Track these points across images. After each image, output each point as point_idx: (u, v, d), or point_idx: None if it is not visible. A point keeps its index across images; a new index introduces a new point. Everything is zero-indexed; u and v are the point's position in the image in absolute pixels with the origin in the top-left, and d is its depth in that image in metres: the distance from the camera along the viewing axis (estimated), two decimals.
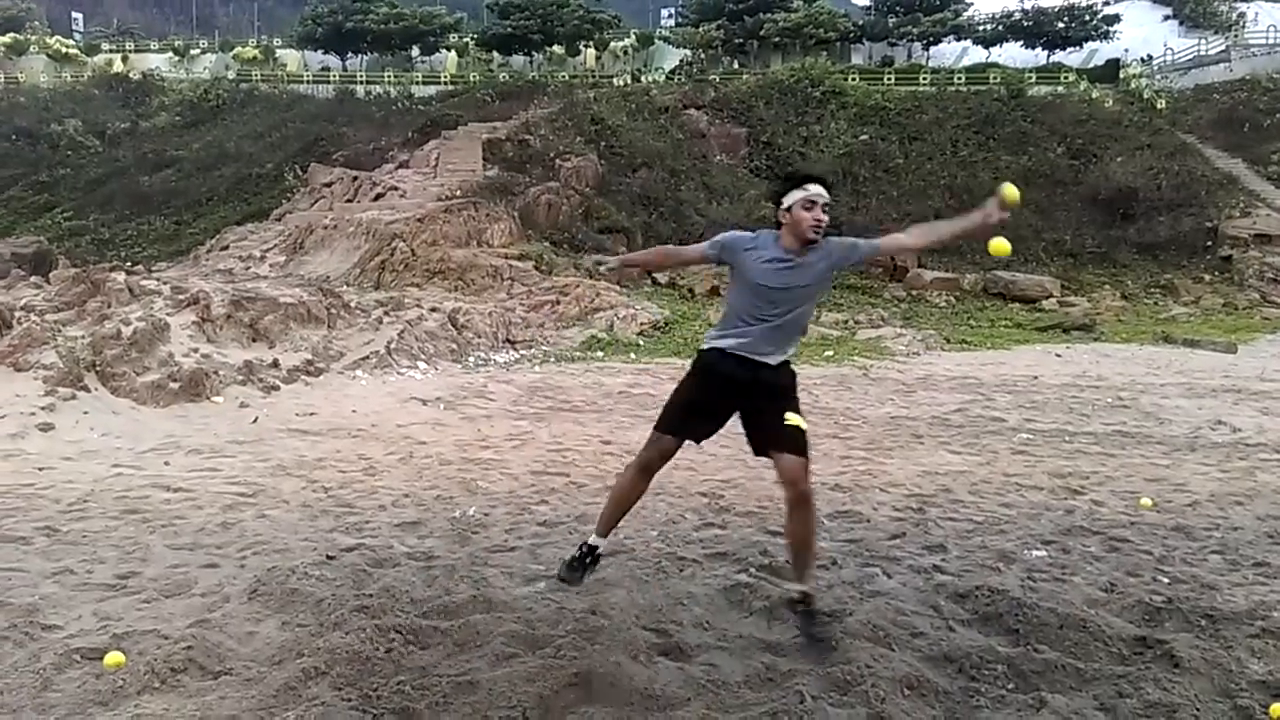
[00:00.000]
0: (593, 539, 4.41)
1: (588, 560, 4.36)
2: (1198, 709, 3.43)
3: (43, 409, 8.64)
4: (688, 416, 4.22)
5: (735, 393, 4.11)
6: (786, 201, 3.97)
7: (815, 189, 3.92)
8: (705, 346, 4.21)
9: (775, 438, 4.00)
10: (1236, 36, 37.57)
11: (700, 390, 4.20)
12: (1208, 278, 25.29)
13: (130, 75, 39.79)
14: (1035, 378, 13.57)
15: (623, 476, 4.40)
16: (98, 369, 9.70)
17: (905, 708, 3.44)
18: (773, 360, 4.07)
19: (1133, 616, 4.39)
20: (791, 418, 3.99)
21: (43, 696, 3.45)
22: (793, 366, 4.19)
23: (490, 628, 4.10)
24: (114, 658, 3.67)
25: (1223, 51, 36.71)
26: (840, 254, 4.08)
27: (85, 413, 8.85)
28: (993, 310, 22.89)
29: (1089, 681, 3.71)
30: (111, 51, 44.39)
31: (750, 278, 4.01)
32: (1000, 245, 4.08)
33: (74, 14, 52.57)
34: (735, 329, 4.07)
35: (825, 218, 3.91)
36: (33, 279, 16.94)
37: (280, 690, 3.51)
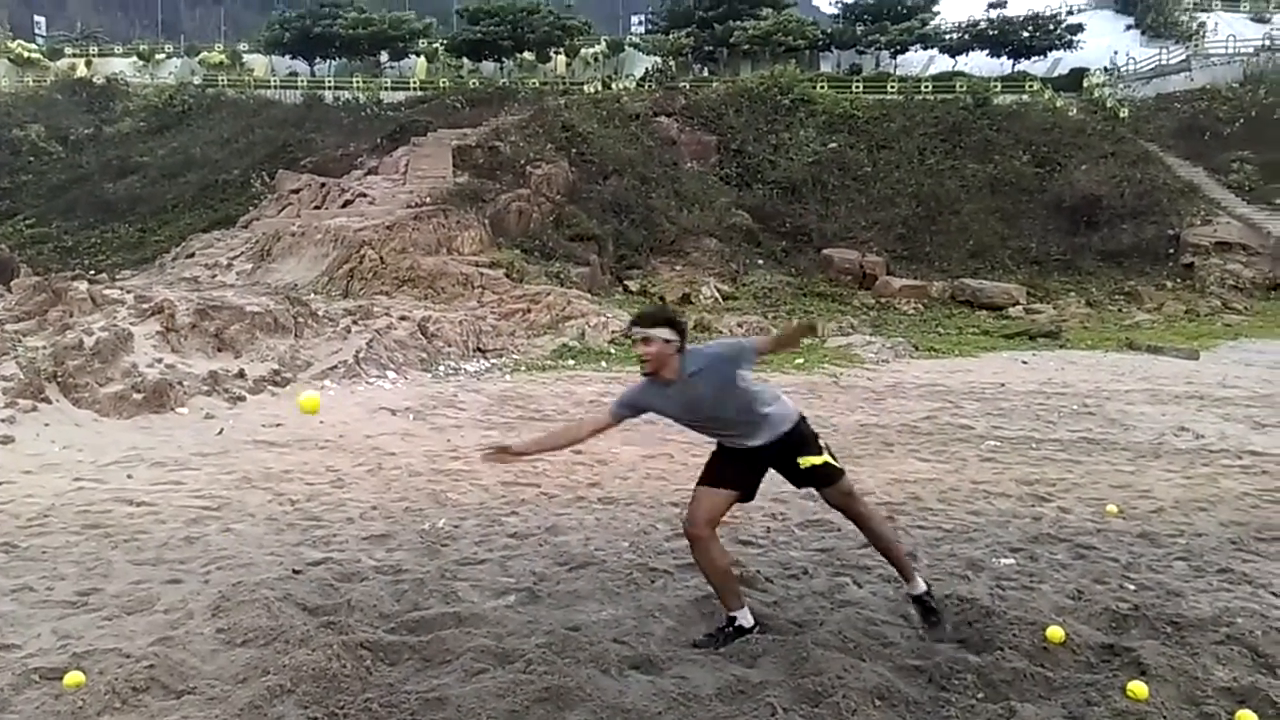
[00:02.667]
0: (742, 618, 4.30)
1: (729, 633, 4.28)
2: (1165, 716, 3.46)
3: (2, 421, 8.49)
4: (724, 475, 4.37)
5: (757, 463, 4.35)
6: None
7: (633, 329, 4.17)
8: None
9: (804, 481, 4.34)
10: (1197, 46, 38.24)
11: (727, 460, 4.39)
12: (1170, 285, 25.70)
13: (94, 80, 39.24)
14: (1002, 385, 13.70)
15: (707, 552, 4.31)
16: (59, 380, 9.53)
17: (876, 718, 3.45)
18: (758, 442, 4.24)
19: (1100, 624, 4.42)
20: (805, 460, 4.22)
21: (2, 718, 3.37)
22: (800, 429, 4.30)
23: (460, 642, 4.06)
24: (74, 677, 3.60)
25: (1183, 61, 37.33)
26: (719, 365, 4.13)
27: (46, 425, 8.70)
28: (960, 317, 23.10)
29: (1058, 690, 3.73)
30: (75, 55, 43.78)
31: (672, 416, 4.29)
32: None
33: (36, 17, 51.80)
34: (719, 438, 4.40)
35: (650, 348, 4.05)
36: None
37: (245, 709, 3.45)
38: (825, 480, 4.27)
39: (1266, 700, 3.59)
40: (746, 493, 4.40)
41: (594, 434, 4.37)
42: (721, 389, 4.13)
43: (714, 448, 4.45)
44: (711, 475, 4.35)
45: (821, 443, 4.32)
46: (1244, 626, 4.36)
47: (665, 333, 4.07)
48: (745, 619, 4.27)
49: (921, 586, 4.35)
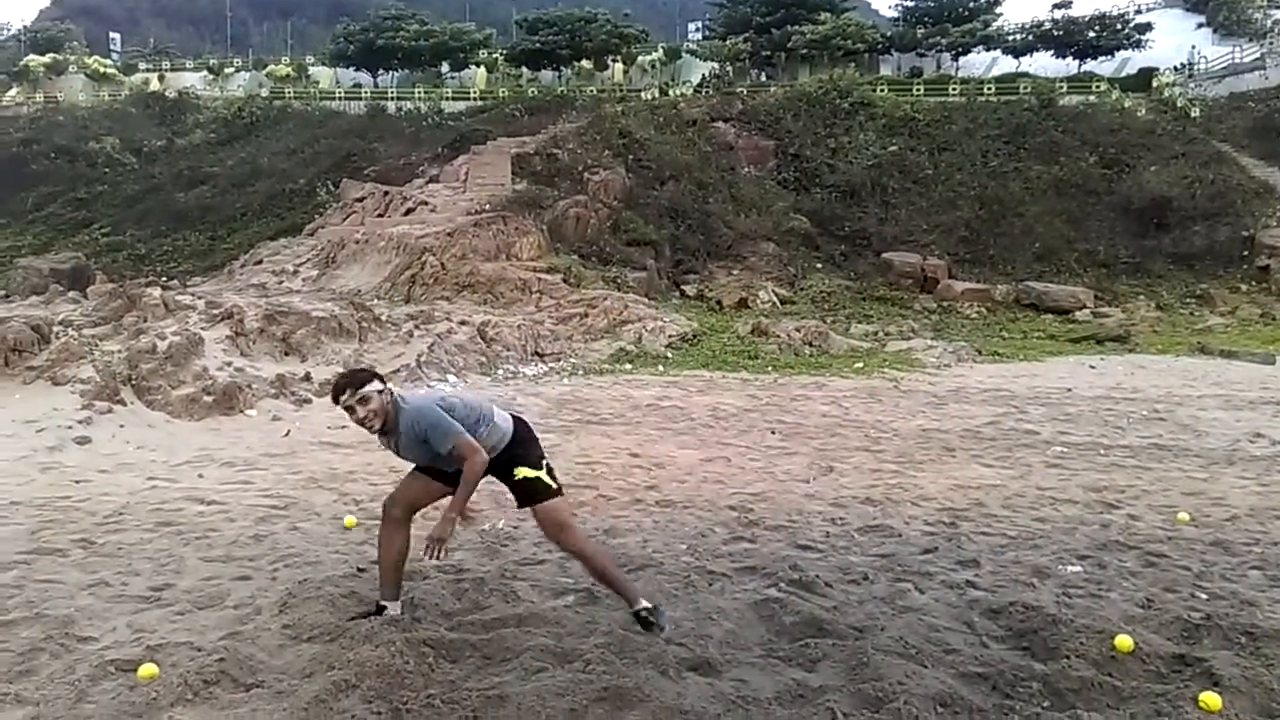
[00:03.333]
0: None
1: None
2: None
3: (80, 422, 8.78)
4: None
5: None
6: None
7: (338, 402, 4.17)
8: None
9: (518, 494, 4.45)
10: (1272, 44, 37.01)
11: None
12: (1244, 288, 24.89)
13: (166, 94, 40.45)
14: (1069, 390, 13.41)
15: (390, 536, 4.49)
16: (133, 383, 9.84)
17: None
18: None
19: (1171, 633, 4.31)
20: (519, 471, 4.38)
21: (78, 708, 3.49)
22: (519, 437, 4.49)
23: (519, 641, 4.10)
24: (148, 670, 3.71)
25: (1258, 59, 36.16)
26: (411, 430, 4.22)
27: (121, 426, 8.98)
28: (1025, 321, 22.68)
29: (1126, 700, 3.65)
30: (148, 70, 45.18)
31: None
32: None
33: (111, 34, 53.61)
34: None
35: (360, 411, 4.11)
36: (70, 294, 17.25)
37: (311, 703, 3.53)
38: (539, 496, 4.34)
39: None
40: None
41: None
42: (422, 444, 4.24)
43: None
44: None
45: (544, 461, 4.44)
46: None
47: (375, 385, 4.18)
48: (394, 610, 4.37)
49: (643, 604, 4.31)
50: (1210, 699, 3.51)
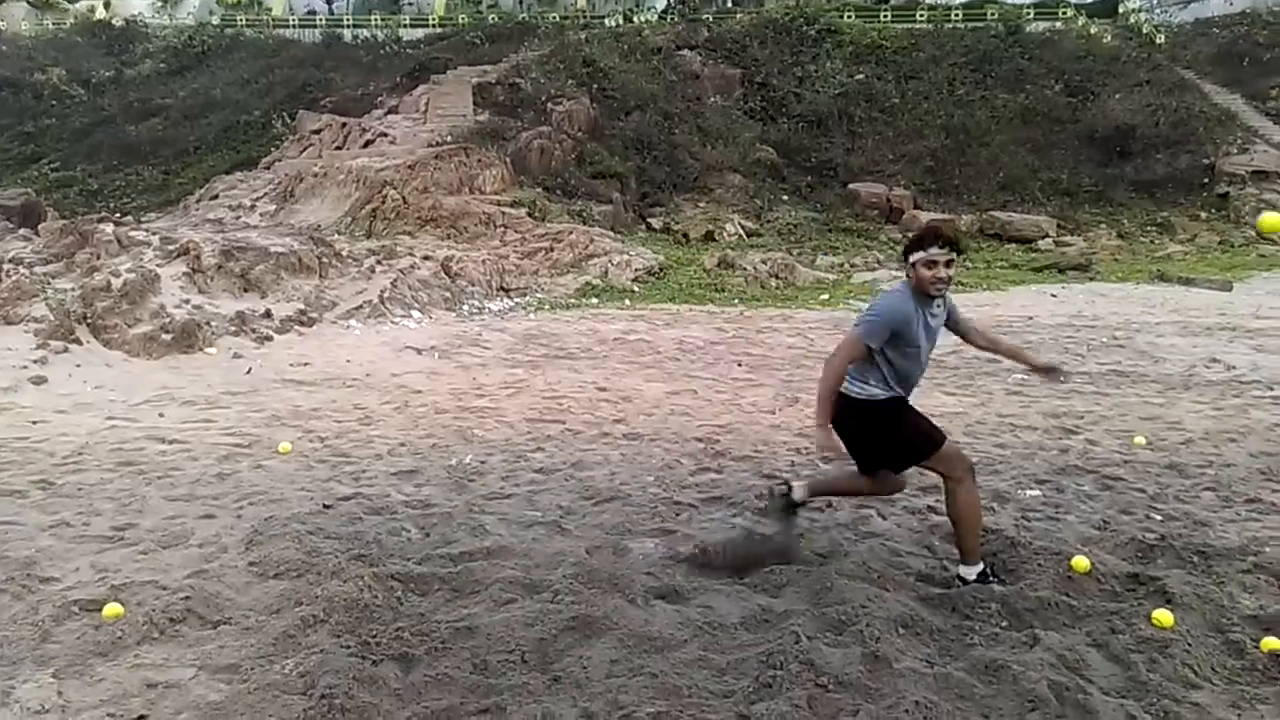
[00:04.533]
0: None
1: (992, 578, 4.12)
2: (1189, 644, 3.47)
3: (35, 362, 8.62)
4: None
5: None
6: (911, 259, 3.98)
7: (935, 251, 3.90)
8: (885, 396, 4.07)
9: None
10: None
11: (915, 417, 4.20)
12: (1204, 215, 25.15)
13: (113, 22, 39.05)
14: (1031, 318, 13.55)
15: (971, 498, 4.11)
16: (89, 321, 9.64)
17: (900, 646, 3.48)
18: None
19: (1126, 554, 4.42)
20: None
21: (42, 648, 3.47)
22: None
23: (488, 574, 4.13)
24: (112, 609, 3.69)
25: None
26: (949, 308, 4.14)
27: (78, 365, 8.82)
28: (989, 251, 22.79)
29: (1082, 618, 3.75)
30: None
31: (909, 342, 3.98)
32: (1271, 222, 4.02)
33: None
34: (900, 389, 4.08)
35: (951, 271, 3.94)
36: (21, 231, 16.79)
37: (279, 638, 3.53)
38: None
39: None
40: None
41: (850, 364, 4.06)
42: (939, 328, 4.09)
43: (906, 414, 4.15)
44: (935, 430, 4.14)
45: None
46: (1271, 555, 4.35)
47: (956, 257, 3.97)
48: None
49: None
50: (1163, 616, 3.62)
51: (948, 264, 3.91)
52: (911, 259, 3.97)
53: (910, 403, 4.17)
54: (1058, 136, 28.15)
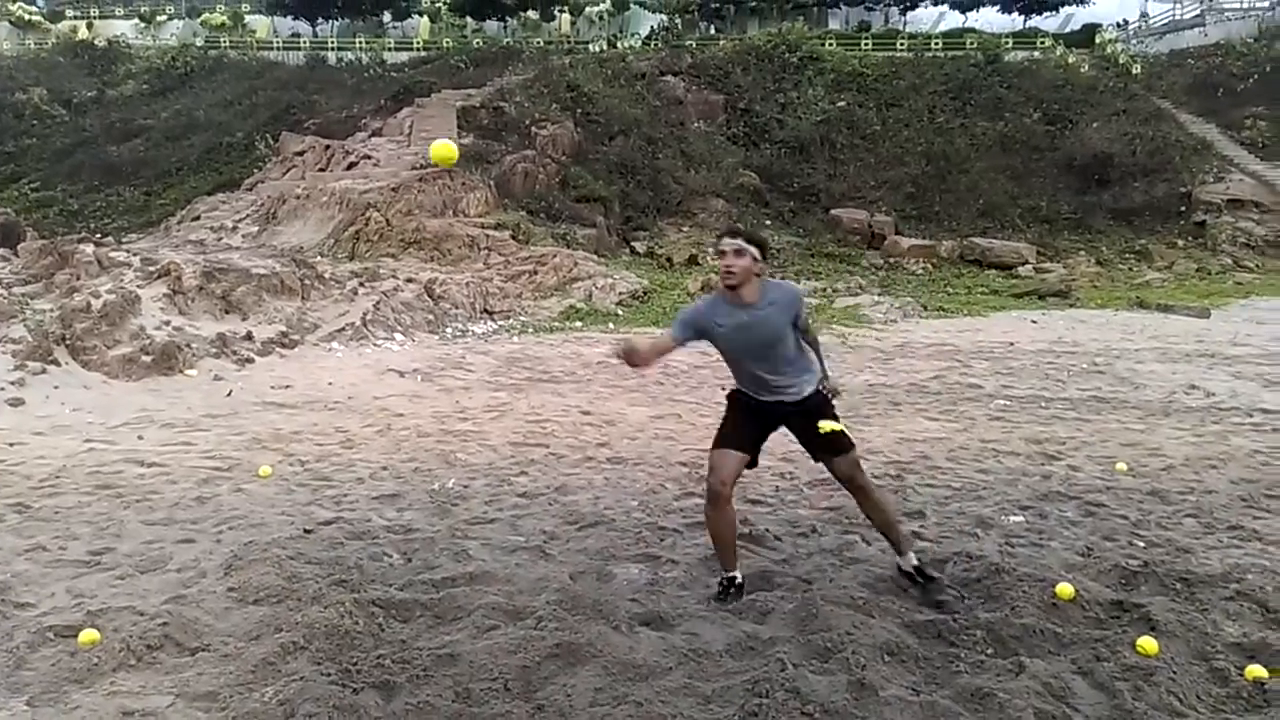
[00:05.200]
0: (732, 572, 4.36)
1: (731, 591, 4.30)
2: (1174, 672, 3.47)
3: (12, 384, 8.52)
4: (736, 436, 4.35)
5: (775, 420, 4.36)
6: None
7: (724, 241, 4.12)
8: (733, 388, 4.45)
9: (816, 449, 4.32)
10: (1212, 1, 37.59)
11: (743, 415, 4.37)
12: (1181, 243, 25.44)
13: (96, 42, 38.85)
14: (1011, 344, 13.64)
15: (709, 517, 4.33)
16: (67, 342, 9.55)
17: (885, 674, 3.46)
18: (790, 398, 4.25)
19: (1110, 580, 4.43)
20: (825, 425, 4.23)
21: (16, 675, 3.41)
22: (821, 391, 4.38)
23: (471, 600, 4.09)
24: (89, 635, 3.63)
25: (1197, 16, 36.73)
26: (789, 300, 4.25)
27: (56, 387, 8.72)
28: (969, 277, 22.96)
29: (1067, 645, 3.75)
30: (76, 18, 43.21)
31: (723, 343, 4.24)
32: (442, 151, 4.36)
33: None
34: (751, 387, 4.31)
35: (741, 261, 4.06)
36: (0, 251, 16.63)
37: (259, 665, 3.48)
38: (840, 449, 4.26)
39: (1277, 655, 3.60)
40: (754, 458, 4.40)
41: (659, 356, 4.27)
42: (784, 326, 4.18)
43: (728, 409, 4.41)
44: (727, 438, 4.32)
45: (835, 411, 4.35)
46: (1254, 582, 4.37)
47: (755, 251, 4.09)
48: (738, 577, 4.34)
49: (913, 561, 4.38)
50: (1147, 643, 3.62)
51: (736, 253, 4.04)
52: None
53: (741, 402, 4.35)
54: (1036, 164, 28.47)
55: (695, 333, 4.19)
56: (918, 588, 4.30)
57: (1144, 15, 38.08)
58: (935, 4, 39.52)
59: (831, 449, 4.26)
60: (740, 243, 4.07)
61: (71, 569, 4.51)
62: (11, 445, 6.98)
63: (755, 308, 4.12)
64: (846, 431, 4.29)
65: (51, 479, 6.11)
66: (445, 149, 4.35)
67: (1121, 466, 6.73)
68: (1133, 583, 4.39)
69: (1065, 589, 4.12)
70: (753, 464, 4.41)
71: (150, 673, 3.46)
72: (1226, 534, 5.26)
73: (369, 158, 25.35)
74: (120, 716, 3.15)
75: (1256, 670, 3.46)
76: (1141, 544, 5.06)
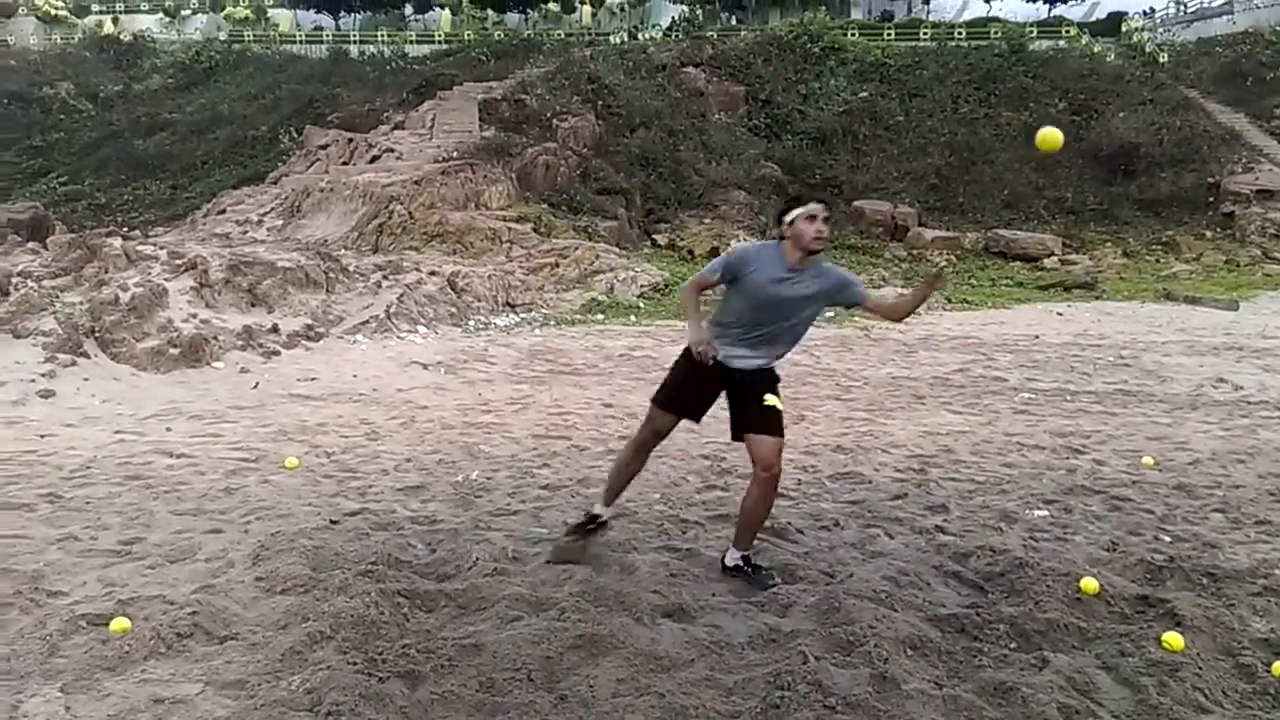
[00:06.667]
0: (597, 508, 4.63)
1: (589, 528, 4.56)
2: (1200, 667, 3.45)
3: (43, 375, 8.63)
4: (680, 394, 4.47)
5: (720, 383, 4.36)
6: (789, 217, 4.19)
7: (815, 206, 4.17)
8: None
9: (750, 420, 4.26)
10: None
11: (688, 377, 4.42)
12: (1209, 234, 25.15)
13: (121, 37, 39.24)
14: (1036, 337, 13.55)
15: (622, 453, 4.62)
16: (97, 335, 9.67)
17: (908, 667, 3.46)
18: (750, 365, 4.27)
19: (1135, 575, 4.41)
20: (770, 399, 4.23)
21: (50, 662, 3.47)
22: (776, 371, 4.40)
23: (495, 591, 4.12)
24: (120, 623, 3.69)
25: (1225, 4, 36.23)
26: (836, 283, 4.30)
27: (86, 379, 8.84)
28: (994, 269, 22.81)
29: (1091, 640, 3.73)
30: (101, 13, 43.71)
31: (752, 291, 4.20)
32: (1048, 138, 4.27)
33: None
34: (726, 337, 4.28)
35: (827, 229, 4.16)
36: (29, 245, 16.82)
37: (286, 654, 3.53)
38: (775, 428, 4.23)
39: None
40: (696, 418, 4.51)
41: (707, 288, 4.38)
42: (816, 305, 4.28)
43: (677, 362, 4.47)
44: (670, 399, 4.46)
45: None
46: None
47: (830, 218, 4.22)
48: (603, 516, 4.64)
49: (736, 557, 4.41)
50: (1173, 639, 3.60)
51: (826, 220, 4.14)
52: (790, 216, 4.17)
53: (691, 361, 4.26)
54: (1062, 155, 28.10)
55: (732, 275, 4.22)
56: (740, 580, 4.34)
57: (1179, 2, 37.57)
58: None
59: (765, 426, 4.21)
60: (827, 209, 4.19)
61: (102, 558, 4.57)
62: (43, 436, 7.09)
63: (805, 273, 4.17)
64: (783, 415, 4.29)
65: (82, 470, 6.20)
66: (1052, 135, 4.25)
67: (1148, 461, 6.68)
68: (1158, 578, 4.36)
69: (1090, 584, 4.10)
70: (696, 420, 4.53)
71: (180, 661, 3.51)
72: (1254, 529, 5.22)
73: (391, 151, 25.46)
74: (151, 704, 3.20)
75: None
76: (1167, 539, 5.03)
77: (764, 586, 4.24)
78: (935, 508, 5.59)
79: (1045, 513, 5.51)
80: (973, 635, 3.78)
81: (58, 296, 10.73)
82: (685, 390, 4.42)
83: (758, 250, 4.29)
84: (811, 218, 4.11)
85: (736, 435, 4.36)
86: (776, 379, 4.36)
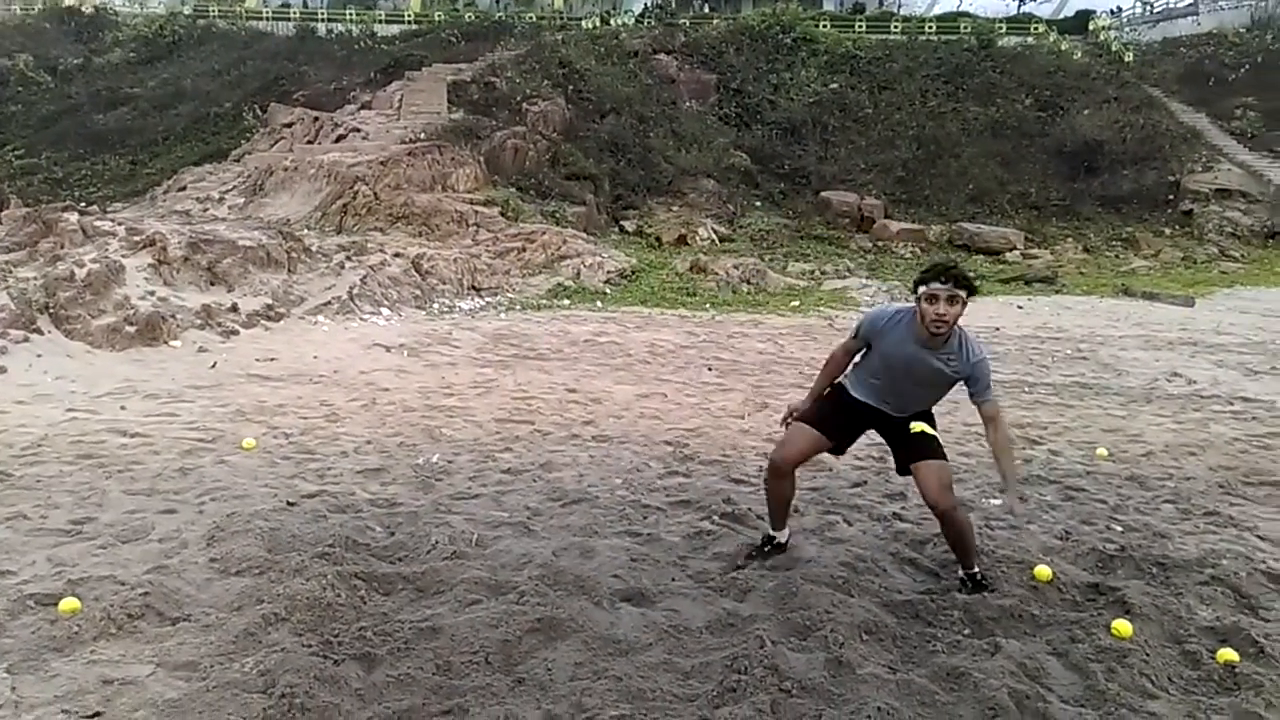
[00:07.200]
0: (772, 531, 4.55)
1: (767, 549, 4.49)
2: (1148, 654, 3.52)
3: None
4: (827, 418, 4.30)
5: (867, 420, 4.29)
6: (918, 291, 3.91)
7: (938, 285, 3.81)
8: (844, 384, 4.34)
9: (905, 451, 4.15)
10: None
11: (835, 406, 4.31)
12: (1168, 231, 25.55)
13: (83, 9, 38.38)
14: (997, 329, 13.70)
15: (768, 481, 4.45)
16: (51, 311, 9.47)
17: (863, 652, 3.50)
18: (891, 415, 4.18)
19: (1087, 564, 4.48)
20: (916, 425, 4.12)
21: None
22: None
23: (453, 574, 4.10)
24: (69, 604, 3.63)
25: (1191, 4, 36.77)
26: (968, 374, 4.00)
27: (38, 355, 8.66)
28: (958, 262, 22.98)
29: (1043, 627, 3.79)
30: None
31: (883, 356, 4.09)
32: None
33: None
34: (869, 386, 4.18)
35: (950, 311, 3.81)
36: None
37: (240, 636, 3.49)
38: (929, 452, 4.06)
39: (1248, 639, 3.65)
40: (839, 446, 4.38)
41: (849, 357, 4.31)
42: (945, 386, 4.07)
43: (825, 397, 4.33)
44: (809, 418, 4.29)
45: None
46: (1228, 568, 4.42)
47: (965, 296, 3.83)
48: (779, 538, 4.52)
49: (964, 574, 4.20)
50: (1122, 626, 3.67)
51: (949, 300, 3.79)
52: (919, 291, 3.89)
53: (841, 398, 4.27)
54: (1027, 150, 28.48)
55: (865, 341, 4.15)
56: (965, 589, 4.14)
57: (1146, 2, 38.05)
58: None
59: (919, 452, 4.06)
60: (954, 289, 3.79)
61: (52, 537, 4.49)
62: None
63: (936, 353, 3.93)
64: (939, 440, 4.14)
65: (33, 447, 6.08)
66: None
67: (1102, 452, 6.79)
68: (1109, 566, 4.44)
69: (1043, 571, 4.16)
70: (838, 451, 4.40)
71: (131, 641, 3.47)
72: (1203, 520, 5.32)
73: (358, 130, 25.17)
74: (100, 684, 3.15)
75: (1228, 654, 3.51)
76: (1119, 529, 5.12)
77: (989, 589, 4.08)
78: (893, 495, 5.65)
79: (1000, 502, 5.58)
80: (927, 621, 3.82)
81: (11, 271, 10.49)
82: (825, 419, 4.26)
83: (891, 318, 4.05)
84: (933, 299, 3.79)
85: (901, 470, 4.25)
86: (927, 411, 4.22)
